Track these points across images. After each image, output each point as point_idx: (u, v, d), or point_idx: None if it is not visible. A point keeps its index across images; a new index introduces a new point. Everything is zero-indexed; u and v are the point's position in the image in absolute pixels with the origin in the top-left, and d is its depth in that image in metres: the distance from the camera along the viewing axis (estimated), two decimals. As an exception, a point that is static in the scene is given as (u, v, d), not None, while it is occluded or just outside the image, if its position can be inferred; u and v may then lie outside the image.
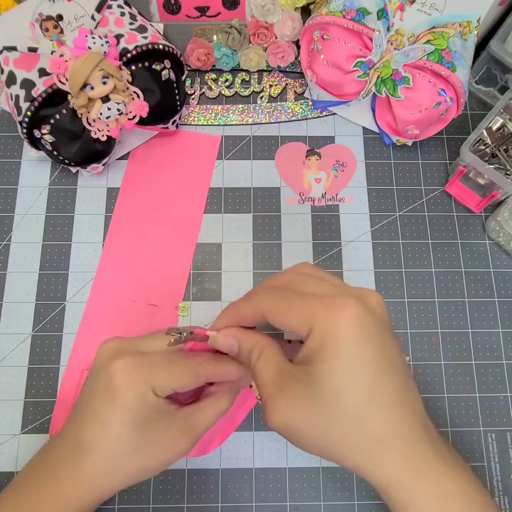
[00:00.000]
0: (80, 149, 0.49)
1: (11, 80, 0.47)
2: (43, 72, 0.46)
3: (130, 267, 0.52)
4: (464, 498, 0.27)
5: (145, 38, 0.49)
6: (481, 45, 0.52)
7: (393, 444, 0.27)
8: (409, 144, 0.55)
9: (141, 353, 0.34)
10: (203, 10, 0.56)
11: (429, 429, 0.28)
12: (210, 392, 0.36)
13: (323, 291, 0.29)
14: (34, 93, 0.46)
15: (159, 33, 0.52)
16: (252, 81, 0.58)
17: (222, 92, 0.58)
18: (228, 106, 0.57)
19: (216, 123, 0.57)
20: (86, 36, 0.44)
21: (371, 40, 0.48)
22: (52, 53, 0.46)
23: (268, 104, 0.58)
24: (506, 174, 0.50)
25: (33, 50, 0.47)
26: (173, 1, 0.55)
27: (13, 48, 0.47)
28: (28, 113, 0.46)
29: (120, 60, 0.47)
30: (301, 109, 0.57)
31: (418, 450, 0.27)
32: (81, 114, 0.47)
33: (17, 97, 0.46)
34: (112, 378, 0.31)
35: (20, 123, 0.47)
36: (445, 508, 0.27)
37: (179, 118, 0.54)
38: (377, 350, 0.27)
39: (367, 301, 0.28)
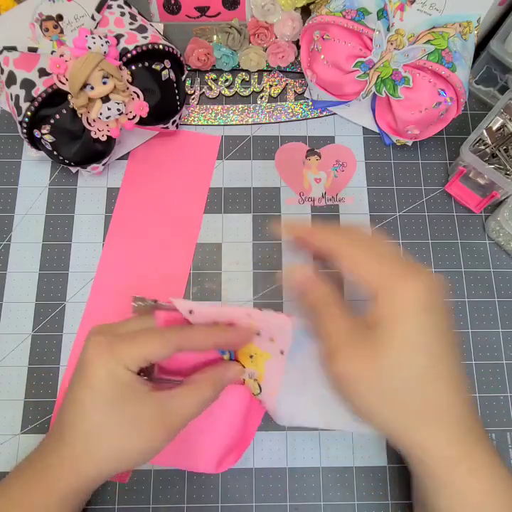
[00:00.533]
0: (79, 149, 0.49)
1: (11, 80, 0.47)
2: (43, 72, 0.46)
3: (130, 267, 0.52)
4: (509, 481, 0.29)
5: (145, 38, 0.49)
6: (481, 45, 0.52)
7: (447, 417, 0.29)
8: (409, 144, 0.55)
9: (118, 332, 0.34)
10: (203, 10, 0.56)
11: (474, 410, 0.31)
12: (191, 380, 0.35)
13: (388, 256, 0.31)
14: (34, 93, 0.46)
15: (159, 33, 0.52)
16: (252, 81, 0.58)
17: (222, 92, 0.58)
18: (228, 106, 0.57)
19: (216, 123, 0.57)
20: (86, 36, 0.44)
21: (371, 40, 0.48)
22: (52, 53, 0.46)
23: (268, 104, 0.58)
24: (506, 174, 0.50)
25: (33, 50, 0.47)
26: (173, 1, 0.55)
27: (13, 48, 0.47)
28: (28, 113, 0.46)
29: (120, 60, 0.47)
30: (301, 109, 0.57)
31: (468, 429, 0.29)
32: (81, 114, 0.47)
33: (17, 97, 0.46)
34: (83, 357, 0.32)
35: (20, 123, 0.47)
36: (491, 490, 0.29)
37: (179, 118, 0.54)
38: (441, 324, 0.29)
39: (435, 280, 0.30)
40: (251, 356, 0.37)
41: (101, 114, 0.46)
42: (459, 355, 0.31)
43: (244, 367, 0.38)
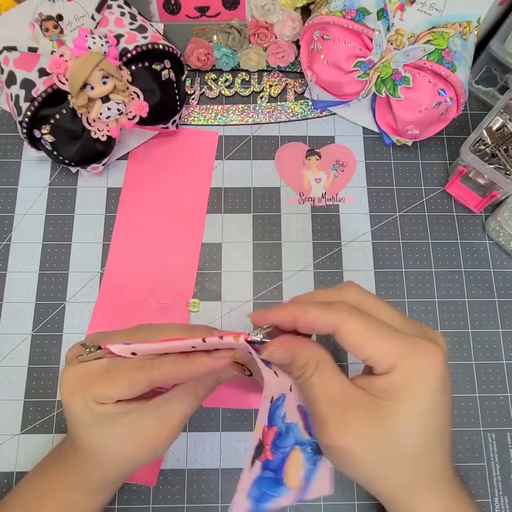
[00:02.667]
0: (79, 149, 0.49)
1: (11, 80, 0.47)
2: (43, 72, 0.46)
3: (138, 267, 0.52)
4: None
5: (145, 38, 0.49)
6: (481, 45, 0.52)
7: (442, 488, 0.30)
8: (409, 144, 0.55)
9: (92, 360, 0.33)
10: (203, 10, 0.56)
11: (459, 476, 0.32)
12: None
13: (398, 325, 0.29)
14: (34, 93, 0.46)
15: (159, 33, 0.52)
16: (252, 81, 0.58)
17: (222, 92, 0.58)
18: (228, 106, 0.57)
19: (216, 123, 0.57)
20: (86, 36, 0.44)
21: (371, 40, 0.48)
22: (52, 53, 0.46)
23: (268, 104, 0.58)
24: (506, 174, 0.50)
25: (33, 50, 0.47)
26: (173, 1, 0.55)
27: (13, 48, 0.47)
28: (28, 113, 0.46)
29: (120, 60, 0.47)
30: (301, 109, 0.57)
31: (457, 495, 0.30)
32: (81, 114, 0.47)
33: (17, 97, 0.46)
34: (60, 390, 0.33)
35: (20, 123, 0.47)
36: None
37: (179, 118, 0.54)
38: (448, 402, 0.29)
39: (443, 347, 0.29)
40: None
41: (101, 114, 0.46)
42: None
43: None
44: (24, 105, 0.46)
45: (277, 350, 0.29)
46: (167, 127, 0.53)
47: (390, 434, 0.27)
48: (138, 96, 0.48)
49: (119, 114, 0.47)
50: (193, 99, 0.58)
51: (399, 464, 0.28)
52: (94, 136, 0.48)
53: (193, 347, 0.29)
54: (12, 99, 0.47)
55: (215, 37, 0.57)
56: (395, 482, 0.29)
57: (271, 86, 0.58)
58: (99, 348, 0.32)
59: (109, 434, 0.32)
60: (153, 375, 0.30)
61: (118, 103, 0.47)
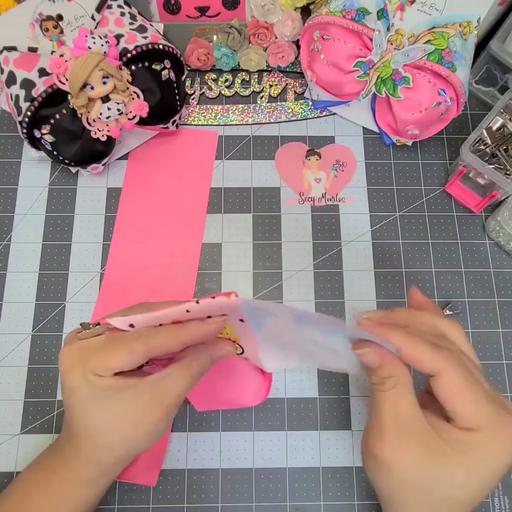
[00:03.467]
0: (79, 149, 0.49)
1: (11, 79, 0.47)
2: (43, 72, 0.46)
3: (138, 267, 0.52)
4: None
5: (145, 38, 0.49)
6: (481, 45, 0.52)
7: None
8: (409, 144, 0.55)
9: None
10: (203, 10, 0.56)
11: None
12: (180, 357, 0.35)
13: (487, 388, 0.30)
14: (34, 93, 0.46)
15: (159, 33, 0.52)
16: (252, 81, 0.58)
17: (222, 92, 0.58)
18: (228, 106, 0.57)
19: (216, 123, 0.57)
20: (86, 36, 0.44)
21: (371, 40, 0.48)
22: (52, 53, 0.46)
23: (268, 104, 0.58)
24: (506, 174, 0.50)
25: (33, 50, 0.47)
26: (173, 1, 0.55)
27: (13, 48, 0.47)
28: (28, 113, 0.46)
29: (120, 60, 0.47)
30: (301, 109, 0.57)
31: None
32: (81, 114, 0.47)
33: (17, 97, 0.46)
34: (60, 368, 0.33)
35: (20, 123, 0.47)
36: None
37: (179, 118, 0.54)
38: (501, 475, 0.30)
39: None
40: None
41: (101, 114, 0.46)
42: None
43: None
44: (24, 105, 0.46)
45: (370, 353, 0.30)
46: (167, 127, 0.53)
47: (439, 477, 0.28)
48: (138, 96, 0.48)
49: (119, 114, 0.47)
50: (193, 99, 0.58)
51: (431, 503, 0.29)
52: (94, 136, 0.48)
53: (187, 311, 0.30)
54: (12, 99, 0.47)
55: (215, 37, 0.57)
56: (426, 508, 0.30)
57: (271, 86, 0.58)
58: (98, 324, 0.33)
59: (107, 411, 0.33)
60: (150, 343, 0.32)
61: (118, 103, 0.47)
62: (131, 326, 0.33)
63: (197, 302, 0.29)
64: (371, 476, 0.31)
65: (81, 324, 0.33)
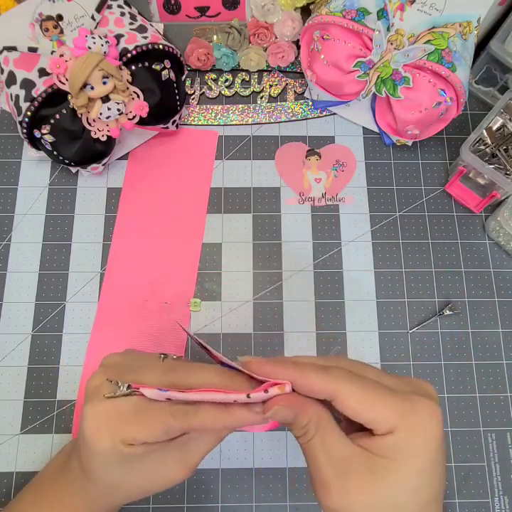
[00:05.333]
0: (79, 149, 0.49)
1: (11, 79, 0.47)
2: (43, 72, 0.46)
3: (139, 267, 0.52)
4: None
5: (145, 38, 0.49)
6: (481, 45, 0.52)
7: None
8: (409, 144, 0.55)
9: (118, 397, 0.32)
10: (203, 10, 0.56)
11: None
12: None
13: (390, 384, 0.29)
14: (34, 93, 0.46)
15: (159, 33, 0.52)
16: (252, 81, 0.58)
17: (222, 92, 0.58)
18: (228, 106, 0.57)
19: (216, 123, 0.57)
20: (86, 36, 0.44)
21: (371, 40, 0.48)
22: (52, 53, 0.46)
23: (268, 104, 0.58)
24: (506, 174, 0.50)
25: (33, 50, 0.47)
26: (173, 1, 0.55)
27: (13, 48, 0.47)
28: (28, 113, 0.46)
29: (120, 60, 0.47)
30: (301, 109, 0.57)
31: None
32: (81, 114, 0.47)
33: (17, 97, 0.46)
34: (83, 428, 0.31)
35: (20, 123, 0.47)
36: None
37: (179, 118, 0.54)
38: (444, 463, 0.29)
39: (437, 400, 0.29)
40: None
41: (101, 114, 0.46)
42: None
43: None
44: (24, 105, 0.46)
45: (281, 410, 0.28)
46: (167, 127, 0.53)
47: (392, 494, 0.27)
48: (138, 96, 0.48)
49: (119, 114, 0.47)
50: (193, 99, 0.58)
51: None
52: (94, 136, 0.48)
53: (234, 401, 0.29)
54: (12, 99, 0.47)
55: (215, 37, 0.57)
56: None
57: (271, 86, 0.58)
58: (129, 386, 0.30)
59: (132, 472, 0.32)
60: (189, 423, 0.30)
61: (118, 103, 0.47)
62: (168, 399, 0.30)
63: (248, 396, 0.28)
64: None
65: (109, 380, 0.31)
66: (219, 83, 0.58)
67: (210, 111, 0.57)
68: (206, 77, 0.58)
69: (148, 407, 0.30)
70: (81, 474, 0.34)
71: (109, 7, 0.49)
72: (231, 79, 0.58)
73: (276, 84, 0.58)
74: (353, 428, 0.29)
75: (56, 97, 0.46)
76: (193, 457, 0.33)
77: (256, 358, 0.30)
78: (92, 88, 0.45)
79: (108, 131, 0.48)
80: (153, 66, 0.48)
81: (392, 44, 0.48)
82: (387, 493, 0.27)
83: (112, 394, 0.31)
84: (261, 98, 0.58)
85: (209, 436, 0.33)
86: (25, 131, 0.47)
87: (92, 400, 0.31)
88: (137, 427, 0.30)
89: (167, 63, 0.49)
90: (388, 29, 0.48)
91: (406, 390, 0.29)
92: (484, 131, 0.51)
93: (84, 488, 0.34)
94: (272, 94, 0.58)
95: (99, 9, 0.48)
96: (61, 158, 0.49)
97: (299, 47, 0.55)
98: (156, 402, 0.30)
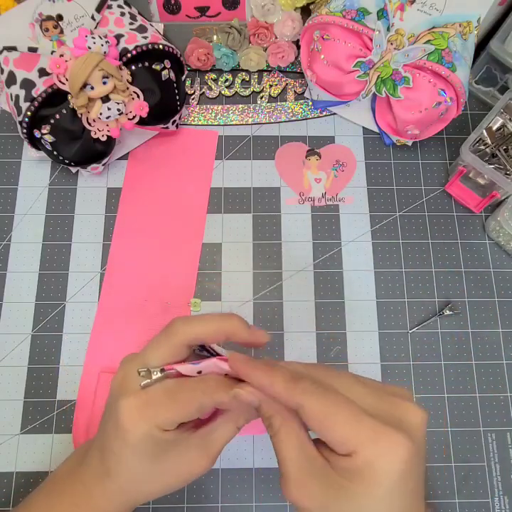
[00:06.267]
0: (79, 149, 0.49)
1: (11, 79, 0.47)
2: (43, 72, 0.46)
3: (139, 267, 0.52)
4: None
5: (145, 38, 0.49)
6: (481, 45, 0.52)
7: None
8: (409, 144, 0.55)
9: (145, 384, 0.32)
10: (203, 10, 0.56)
11: None
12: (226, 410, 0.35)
13: (369, 403, 0.28)
14: (34, 93, 0.46)
15: (159, 33, 0.52)
16: (252, 81, 0.58)
17: (222, 92, 0.58)
18: (228, 106, 0.57)
19: (216, 123, 0.57)
20: (86, 36, 0.44)
21: (371, 40, 0.48)
22: (52, 53, 0.46)
23: (268, 104, 0.58)
24: (506, 174, 0.50)
25: (33, 50, 0.47)
26: (173, 1, 0.55)
27: (13, 48, 0.47)
28: (28, 113, 0.46)
29: (120, 60, 0.47)
30: (301, 109, 0.57)
31: None
32: (81, 114, 0.47)
33: (17, 97, 0.46)
34: (118, 420, 0.31)
35: (20, 123, 0.47)
36: None
37: (179, 118, 0.54)
38: (415, 482, 0.28)
39: (411, 427, 0.28)
40: None
41: (101, 114, 0.46)
42: (423, 489, 0.29)
43: None
44: (24, 105, 0.46)
45: (242, 393, 0.29)
46: (167, 127, 0.53)
47: (344, 509, 0.27)
48: (138, 96, 0.48)
49: (119, 114, 0.47)
50: (193, 99, 0.58)
51: None
52: (94, 136, 0.48)
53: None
54: (12, 99, 0.47)
55: (215, 37, 0.57)
56: None
57: (271, 86, 0.58)
58: (162, 370, 0.31)
59: (158, 465, 0.32)
60: (218, 399, 0.30)
61: (118, 103, 0.47)
62: (199, 372, 0.32)
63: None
64: None
65: (139, 371, 0.31)
66: (219, 83, 0.58)
67: (210, 111, 0.57)
68: (206, 77, 0.58)
69: (179, 389, 0.31)
70: (99, 472, 0.34)
71: (109, 7, 0.49)
72: (231, 79, 0.58)
73: (276, 84, 0.58)
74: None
75: (56, 97, 0.46)
76: (214, 448, 0.33)
77: (239, 356, 0.30)
78: (92, 88, 0.45)
79: (108, 131, 0.48)
80: (153, 66, 0.48)
81: (392, 44, 0.48)
82: (336, 509, 0.27)
83: (147, 381, 0.31)
84: (261, 98, 0.58)
85: (228, 425, 0.34)
86: (25, 131, 0.47)
87: (124, 393, 0.32)
88: (172, 409, 0.31)
89: (167, 63, 0.49)
90: (388, 29, 0.48)
91: (382, 413, 0.28)
92: (484, 131, 0.51)
93: (101, 488, 0.34)
94: (272, 94, 0.58)
95: (99, 9, 0.48)
96: (61, 158, 0.49)
97: (299, 47, 0.55)
98: (186, 383, 0.31)
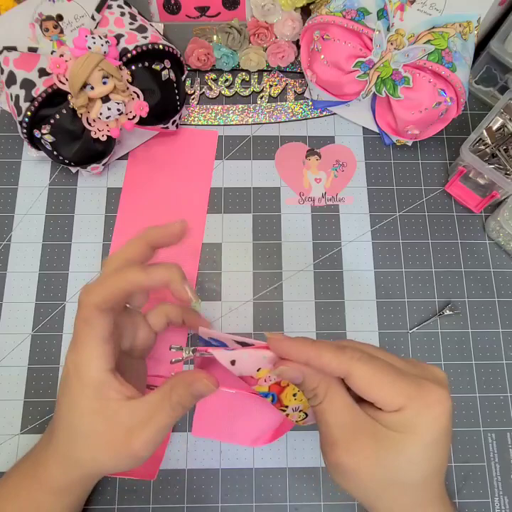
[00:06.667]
0: (79, 149, 0.49)
1: (11, 80, 0.47)
2: (43, 72, 0.46)
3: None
4: None
5: (145, 38, 0.49)
6: (481, 45, 0.52)
7: (436, 509, 0.31)
8: (409, 144, 0.55)
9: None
10: (203, 10, 0.56)
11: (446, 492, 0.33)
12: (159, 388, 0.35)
13: (401, 366, 0.31)
14: (34, 93, 0.46)
15: (159, 33, 0.52)
16: (252, 81, 0.58)
17: (222, 92, 0.58)
18: (228, 106, 0.57)
19: (216, 123, 0.57)
20: (86, 36, 0.44)
21: (371, 40, 0.48)
22: (52, 53, 0.46)
23: (268, 104, 0.58)
24: (506, 174, 0.50)
25: (33, 50, 0.47)
26: (173, 1, 0.55)
27: (13, 48, 0.47)
28: (28, 113, 0.46)
29: (120, 60, 0.47)
30: (301, 109, 0.57)
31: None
32: (81, 114, 0.47)
33: (17, 97, 0.46)
34: (66, 373, 0.34)
35: (20, 123, 0.47)
36: None
37: (179, 118, 0.54)
38: (448, 444, 0.31)
39: (446, 386, 0.30)
40: (294, 395, 0.36)
41: (101, 114, 0.46)
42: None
43: (286, 406, 0.37)
44: (24, 105, 0.46)
45: (288, 370, 0.30)
46: (167, 127, 0.53)
47: (394, 461, 0.29)
48: (138, 96, 0.48)
49: (119, 114, 0.47)
50: (193, 99, 0.58)
51: (399, 489, 0.30)
52: (94, 136, 0.48)
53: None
54: (12, 99, 0.47)
55: (215, 37, 0.57)
56: (393, 505, 0.30)
57: (271, 86, 0.58)
58: (194, 350, 0.32)
59: (100, 422, 0.32)
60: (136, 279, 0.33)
61: (118, 103, 0.47)
62: (233, 363, 0.32)
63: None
64: (343, 485, 0.31)
65: (172, 347, 0.33)
66: (219, 83, 0.58)
67: (210, 111, 0.57)
68: (206, 77, 0.58)
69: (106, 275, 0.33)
70: (44, 444, 0.35)
71: (109, 7, 0.49)
72: (231, 79, 0.58)
73: (276, 84, 0.58)
74: (366, 402, 0.30)
75: (56, 97, 0.46)
76: (143, 431, 0.32)
77: (278, 335, 0.32)
78: (92, 88, 0.45)
79: (108, 131, 0.48)
80: (153, 66, 0.48)
81: (392, 44, 0.48)
82: (389, 460, 0.29)
83: (178, 358, 0.34)
84: (261, 98, 0.58)
85: (160, 403, 0.33)
86: (25, 131, 0.47)
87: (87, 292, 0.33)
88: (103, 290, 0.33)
89: (167, 63, 0.49)
90: (388, 29, 0.48)
91: (416, 373, 0.30)
92: (484, 131, 0.51)
93: (44, 458, 0.35)
94: (272, 94, 0.58)
95: (99, 9, 0.48)
96: (61, 158, 0.49)
97: (299, 47, 0.55)
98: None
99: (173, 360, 0.32)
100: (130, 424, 0.32)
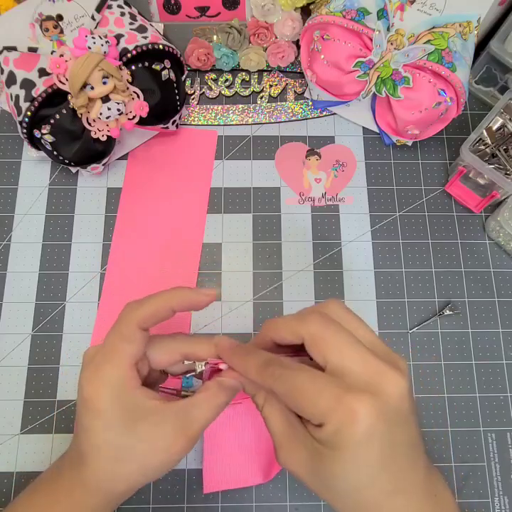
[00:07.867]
0: (79, 149, 0.49)
1: (11, 80, 0.47)
2: (43, 72, 0.46)
3: (139, 267, 0.52)
4: None
5: (145, 38, 0.49)
6: (481, 45, 0.52)
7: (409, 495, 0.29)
8: (409, 144, 0.55)
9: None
10: (203, 10, 0.56)
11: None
12: (205, 387, 0.34)
13: (348, 360, 0.28)
14: (34, 93, 0.46)
15: (159, 33, 0.52)
16: (252, 81, 0.58)
17: (222, 92, 0.58)
18: (228, 106, 0.57)
19: (216, 123, 0.57)
20: (86, 36, 0.44)
21: (371, 40, 0.48)
22: (52, 53, 0.46)
23: (268, 104, 0.58)
24: (506, 174, 0.50)
25: (33, 50, 0.47)
26: (173, 1, 0.55)
27: (13, 48, 0.47)
28: (28, 113, 0.46)
29: (120, 60, 0.47)
30: (301, 109, 0.57)
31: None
32: (81, 114, 0.47)
33: (17, 97, 0.46)
34: (82, 394, 0.32)
35: (20, 123, 0.47)
36: None
37: (179, 118, 0.54)
38: (382, 446, 0.28)
39: (385, 389, 0.28)
40: None
41: (101, 114, 0.46)
42: (411, 450, 0.29)
43: None
44: (24, 105, 0.46)
45: (225, 380, 0.33)
46: (167, 127, 0.53)
47: (326, 472, 0.29)
48: (138, 96, 0.48)
49: (119, 114, 0.47)
50: (193, 99, 0.58)
51: (343, 492, 0.29)
52: (94, 136, 0.48)
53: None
54: (12, 99, 0.47)
55: (215, 37, 0.57)
56: (344, 504, 0.30)
57: (271, 86, 0.58)
58: (207, 363, 0.33)
59: (133, 435, 0.31)
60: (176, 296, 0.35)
61: (118, 103, 0.47)
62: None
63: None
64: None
65: (185, 362, 0.34)
66: (219, 83, 0.58)
67: (210, 111, 0.57)
68: (206, 77, 0.58)
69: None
70: (76, 461, 0.33)
71: (109, 7, 0.49)
72: (231, 79, 0.58)
73: (276, 84, 0.58)
74: None
75: (56, 97, 0.46)
76: (193, 425, 0.32)
77: (225, 342, 0.33)
78: (92, 88, 0.45)
79: (108, 131, 0.48)
80: (153, 66, 0.48)
81: (392, 44, 0.48)
82: (322, 470, 0.29)
83: (192, 374, 0.34)
84: (261, 98, 0.58)
85: (210, 401, 0.33)
86: (25, 131, 0.47)
87: (82, 371, 0.34)
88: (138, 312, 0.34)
89: (167, 63, 0.49)
90: (388, 29, 0.48)
91: (354, 384, 0.28)
92: (484, 131, 0.51)
93: (78, 479, 0.33)
94: (272, 94, 0.58)
95: (99, 9, 0.48)
96: (61, 158, 0.49)
97: (299, 47, 0.55)
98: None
99: (188, 376, 0.33)
100: (175, 425, 0.32)
